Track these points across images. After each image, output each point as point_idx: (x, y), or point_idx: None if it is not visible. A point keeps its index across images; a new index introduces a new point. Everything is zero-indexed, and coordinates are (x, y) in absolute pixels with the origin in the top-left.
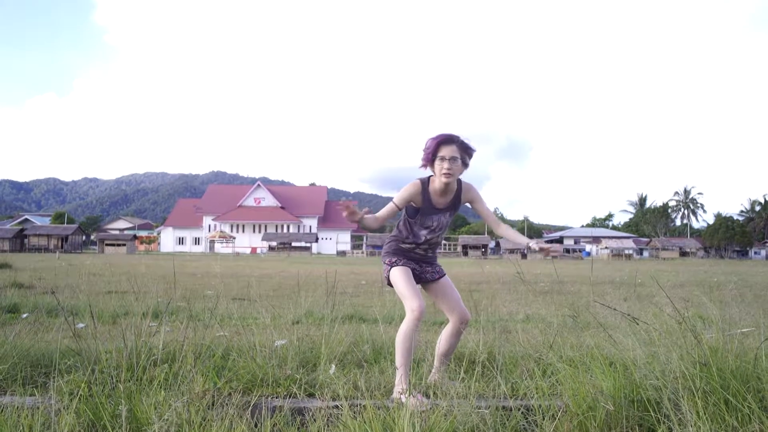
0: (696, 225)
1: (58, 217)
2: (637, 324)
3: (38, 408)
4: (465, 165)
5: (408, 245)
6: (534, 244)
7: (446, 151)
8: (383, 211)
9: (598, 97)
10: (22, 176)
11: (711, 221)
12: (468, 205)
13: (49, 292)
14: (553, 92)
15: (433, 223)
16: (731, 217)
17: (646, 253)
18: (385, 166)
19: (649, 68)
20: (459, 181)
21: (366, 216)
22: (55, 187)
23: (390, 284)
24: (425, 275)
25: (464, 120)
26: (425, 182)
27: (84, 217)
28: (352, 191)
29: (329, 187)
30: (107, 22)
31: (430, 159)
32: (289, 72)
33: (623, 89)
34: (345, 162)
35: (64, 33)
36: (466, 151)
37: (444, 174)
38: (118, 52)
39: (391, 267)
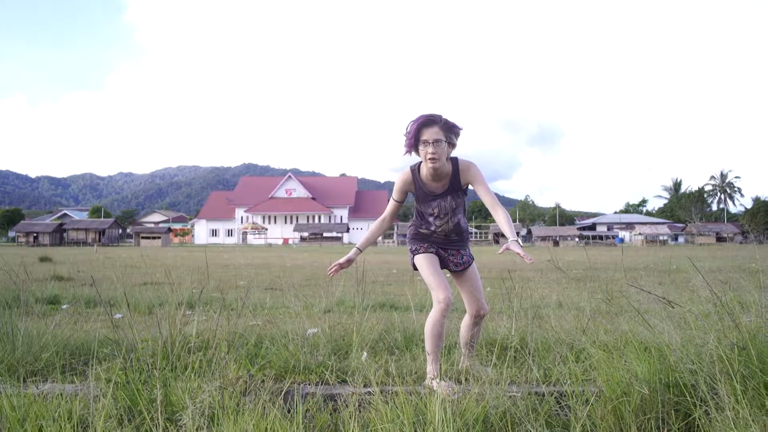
0: (733, 210)
1: (96, 212)
2: (673, 308)
3: (77, 394)
4: (452, 145)
5: (425, 231)
6: (509, 244)
7: (429, 134)
8: (386, 211)
9: (631, 82)
10: (60, 172)
11: (749, 206)
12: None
13: (88, 284)
14: (585, 77)
15: (434, 210)
16: None
17: (681, 239)
18: (414, 156)
19: (683, 50)
20: (456, 161)
21: (359, 248)
22: (92, 182)
23: (416, 269)
24: (449, 264)
25: (494, 107)
26: (415, 169)
27: (120, 211)
28: (382, 181)
29: (359, 178)
30: (137, 21)
31: (413, 144)
32: (318, 65)
33: (657, 72)
34: (374, 152)
35: (96, 32)
36: (451, 131)
37: (429, 159)
38: (147, 50)
39: (414, 255)
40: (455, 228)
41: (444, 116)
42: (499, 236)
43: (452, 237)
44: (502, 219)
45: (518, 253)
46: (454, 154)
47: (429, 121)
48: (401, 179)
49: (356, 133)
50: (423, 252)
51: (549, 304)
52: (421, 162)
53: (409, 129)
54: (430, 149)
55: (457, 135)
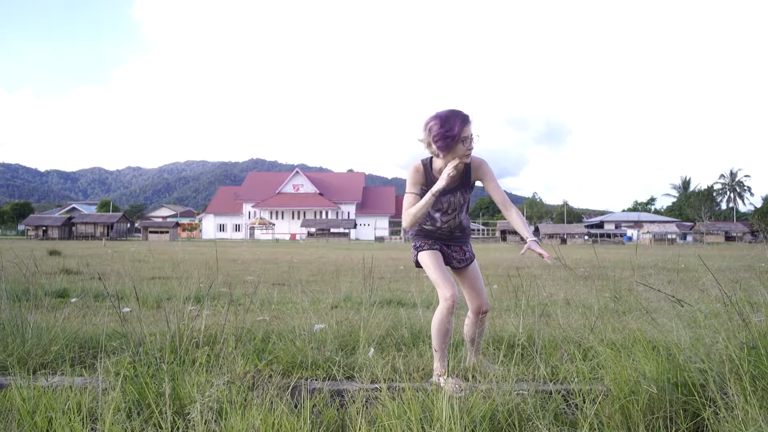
0: (742, 208)
1: (104, 206)
2: (682, 306)
3: (86, 387)
4: None
5: (430, 227)
6: (530, 245)
7: (469, 131)
8: (407, 205)
9: (640, 79)
10: (69, 166)
11: (759, 204)
12: (479, 183)
13: (96, 278)
14: (593, 75)
15: (443, 205)
16: None
17: (689, 238)
18: (421, 152)
19: (693, 48)
20: None
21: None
22: (101, 177)
23: (418, 266)
24: (452, 261)
25: (502, 104)
26: (427, 163)
27: (128, 206)
28: (389, 177)
29: (367, 174)
30: (145, 16)
31: (451, 142)
32: (326, 61)
33: (666, 70)
34: (382, 148)
35: (104, 26)
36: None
37: (467, 155)
38: (155, 44)
39: (419, 251)
40: (459, 225)
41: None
42: (506, 233)
43: (456, 234)
44: (516, 219)
45: (540, 254)
46: None
47: (468, 118)
48: (415, 173)
49: (363, 129)
50: (427, 249)
51: (556, 301)
52: (432, 157)
53: (452, 126)
54: (471, 145)
55: None
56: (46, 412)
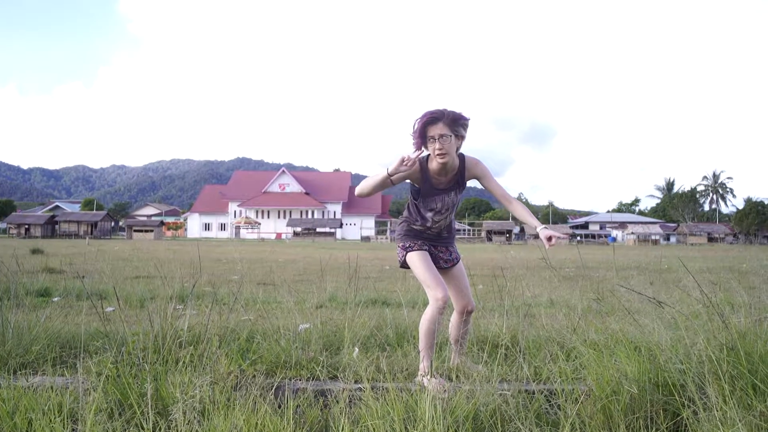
0: (725, 210)
1: (88, 204)
2: (663, 308)
3: (68, 387)
4: (460, 138)
5: (419, 227)
6: (542, 231)
7: (434, 131)
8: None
9: (625, 81)
10: (53, 164)
11: (741, 206)
12: (476, 182)
13: (79, 277)
14: (578, 76)
15: (437, 205)
16: (762, 201)
17: (673, 239)
18: (408, 152)
19: (677, 49)
20: (462, 157)
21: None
22: (85, 175)
23: (404, 266)
24: (439, 261)
25: (487, 104)
26: (423, 162)
27: (112, 204)
28: None
29: (353, 173)
30: (131, 12)
31: (421, 141)
32: (313, 59)
33: (650, 72)
34: (368, 148)
35: (90, 22)
36: (456, 123)
37: (438, 155)
38: (141, 41)
39: (407, 252)
40: (448, 225)
41: (449, 109)
42: (492, 234)
43: (444, 234)
44: (521, 210)
45: (551, 236)
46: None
47: (433, 118)
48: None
49: (350, 129)
50: (417, 249)
51: (540, 302)
52: (429, 155)
53: (416, 127)
54: (437, 145)
55: (464, 126)
56: (26, 413)
